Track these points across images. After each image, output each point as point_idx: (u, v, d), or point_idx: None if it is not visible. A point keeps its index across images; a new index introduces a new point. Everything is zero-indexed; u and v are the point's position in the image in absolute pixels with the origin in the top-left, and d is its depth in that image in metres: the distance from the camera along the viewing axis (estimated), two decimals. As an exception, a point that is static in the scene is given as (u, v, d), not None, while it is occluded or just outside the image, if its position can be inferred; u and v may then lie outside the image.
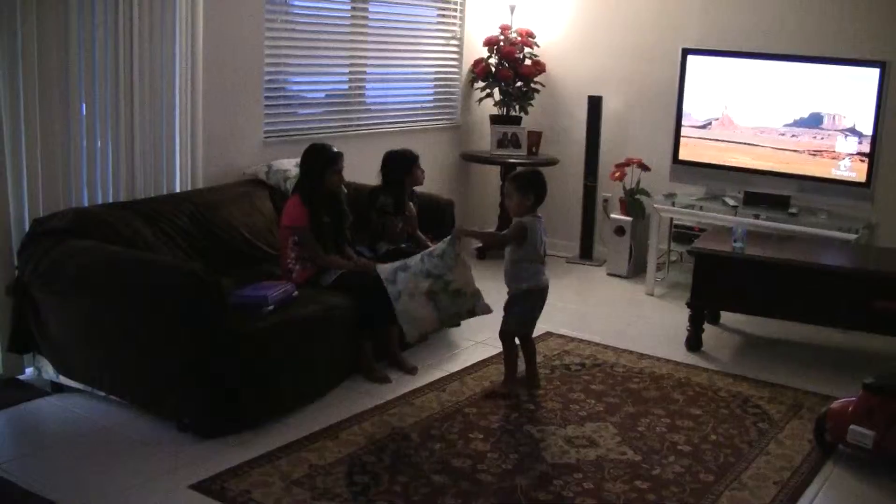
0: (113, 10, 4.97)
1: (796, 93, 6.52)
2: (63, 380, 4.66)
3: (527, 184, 4.83)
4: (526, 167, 5.07)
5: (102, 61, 4.99)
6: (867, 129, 6.24)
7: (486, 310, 4.90)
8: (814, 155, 6.47)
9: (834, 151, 6.38)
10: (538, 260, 4.89)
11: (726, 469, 4.13)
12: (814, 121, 6.46)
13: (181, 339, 4.17)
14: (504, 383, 4.96)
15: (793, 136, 6.53)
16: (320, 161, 5.17)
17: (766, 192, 6.58)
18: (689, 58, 6.85)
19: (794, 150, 6.53)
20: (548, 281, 4.98)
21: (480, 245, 7.96)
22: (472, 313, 4.92)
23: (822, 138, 6.43)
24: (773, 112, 6.62)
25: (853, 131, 6.30)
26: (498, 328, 4.98)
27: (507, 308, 4.95)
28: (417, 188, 5.82)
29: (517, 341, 4.99)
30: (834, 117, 6.38)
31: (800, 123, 6.50)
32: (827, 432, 4.32)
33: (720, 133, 6.85)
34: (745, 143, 6.71)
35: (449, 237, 4.85)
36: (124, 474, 3.89)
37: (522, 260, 4.84)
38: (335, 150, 5.21)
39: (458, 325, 5.53)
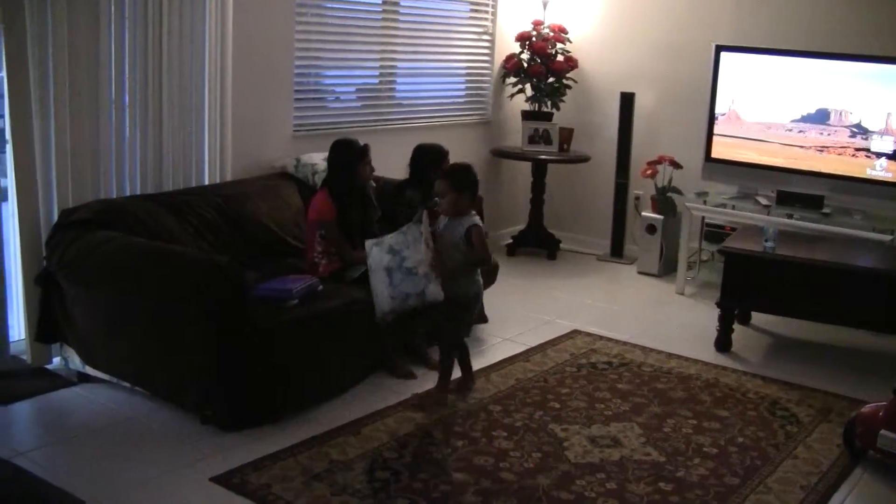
0: (143, 3, 4.97)
1: (831, 90, 6.43)
2: (89, 370, 4.68)
3: (461, 180, 4.63)
4: (459, 163, 4.82)
5: (132, 53, 4.99)
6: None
7: (436, 296, 4.51)
8: (845, 154, 6.38)
9: (869, 151, 6.29)
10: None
11: (752, 472, 4.06)
12: (839, 119, 6.38)
13: (204, 332, 4.16)
14: (440, 389, 4.76)
15: (828, 133, 6.44)
16: (350, 155, 5.16)
17: (799, 191, 6.49)
18: (723, 55, 6.77)
19: (826, 148, 6.44)
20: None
21: (511, 242, 7.94)
22: (421, 297, 4.55)
23: (864, 137, 6.32)
24: (806, 109, 6.53)
25: (889, 131, 6.21)
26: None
27: (455, 315, 4.70)
28: None
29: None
30: (867, 116, 6.28)
31: (834, 122, 6.41)
32: (856, 437, 4.24)
33: (740, 129, 6.80)
34: (780, 143, 6.63)
35: (419, 213, 4.69)
36: (146, 465, 3.90)
37: (476, 264, 4.68)
38: (362, 143, 5.20)
39: (413, 310, 4.77)
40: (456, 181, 4.62)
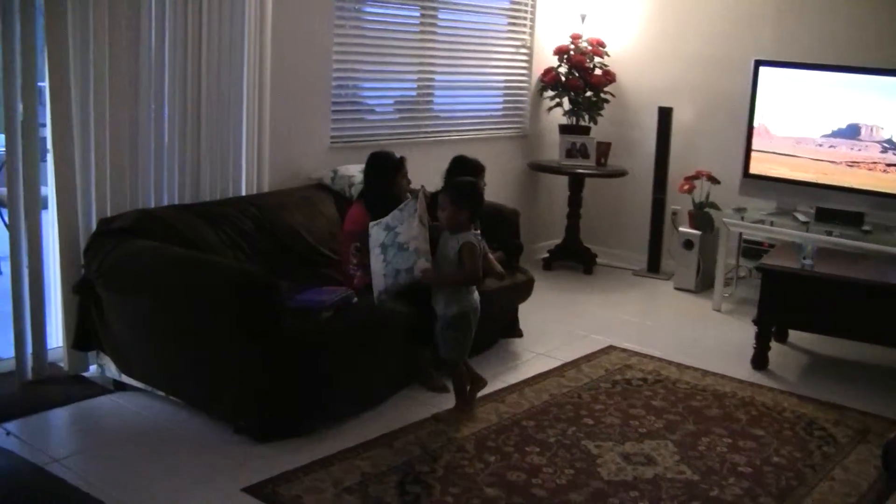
0: (182, 13, 5.01)
1: (862, 105, 6.39)
2: (124, 378, 4.72)
3: (462, 197, 4.54)
4: (464, 178, 4.86)
5: (172, 64, 5.04)
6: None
7: (424, 267, 4.46)
8: (875, 170, 6.32)
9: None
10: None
11: (787, 493, 4.02)
12: (870, 134, 6.33)
13: (238, 342, 4.18)
14: (459, 408, 4.71)
15: (859, 149, 6.38)
16: (386, 168, 5.17)
17: (838, 208, 6.43)
18: (762, 69, 6.72)
19: (856, 164, 6.38)
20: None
21: (547, 256, 7.92)
22: (410, 274, 4.48)
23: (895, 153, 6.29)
24: (837, 124, 6.48)
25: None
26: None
27: (442, 332, 4.62)
28: None
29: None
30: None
31: (865, 137, 6.35)
32: (895, 459, 4.19)
33: (770, 144, 6.76)
34: (814, 160, 6.56)
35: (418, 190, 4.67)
36: (178, 475, 3.91)
37: (460, 281, 4.58)
38: (398, 156, 5.21)
39: (404, 285, 4.61)
40: (455, 196, 4.55)
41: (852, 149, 6.41)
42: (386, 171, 5.15)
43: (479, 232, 4.65)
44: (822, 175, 6.50)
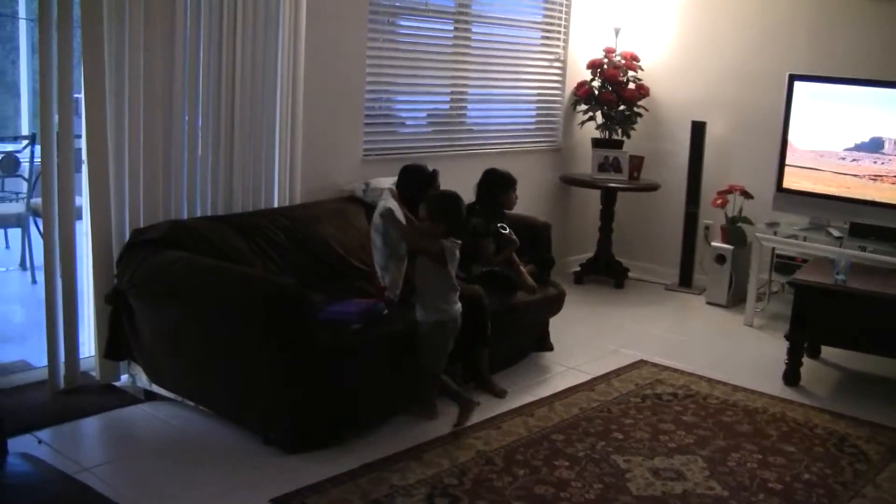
0: (217, 25, 5.06)
1: (887, 118, 6.33)
2: (155, 388, 4.75)
3: (439, 212, 4.65)
4: (446, 190, 4.90)
5: (206, 76, 5.08)
6: None
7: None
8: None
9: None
10: (454, 288, 4.74)
11: (818, 510, 3.99)
12: (893, 148, 6.26)
13: (269, 353, 4.20)
14: (462, 415, 4.76)
15: (882, 162, 6.32)
16: (419, 181, 5.17)
17: (873, 223, 6.37)
18: (797, 84, 6.68)
19: (879, 177, 6.33)
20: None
21: (579, 270, 7.90)
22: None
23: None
24: (860, 138, 6.44)
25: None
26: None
27: (424, 341, 4.68)
28: (508, 212, 5.75)
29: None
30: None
31: (889, 151, 6.29)
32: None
33: (793, 158, 6.73)
34: (837, 173, 6.51)
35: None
36: (207, 485, 3.93)
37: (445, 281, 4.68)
38: (431, 169, 5.23)
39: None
40: (433, 209, 4.66)
41: (875, 162, 6.36)
42: (419, 185, 5.16)
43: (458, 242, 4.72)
44: (846, 189, 6.46)
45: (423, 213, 4.67)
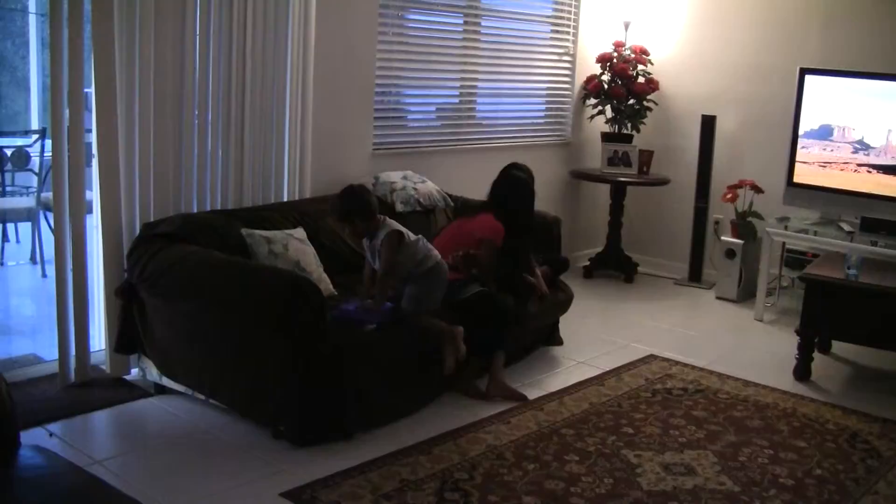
0: (227, 19, 5.06)
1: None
2: (166, 381, 4.75)
3: (341, 210, 4.67)
4: (337, 200, 4.75)
5: (216, 70, 5.08)
6: None
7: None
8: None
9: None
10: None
11: (830, 505, 3.98)
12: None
13: (279, 347, 4.20)
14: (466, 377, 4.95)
15: (893, 157, 6.31)
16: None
17: (884, 217, 6.35)
18: (808, 77, 6.66)
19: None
20: None
21: (588, 264, 7.89)
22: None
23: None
24: (869, 131, 6.44)
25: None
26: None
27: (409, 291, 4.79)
28: None
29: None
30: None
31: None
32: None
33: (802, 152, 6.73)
34: (844, 166, 6.50)
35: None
36: (218, 477, 3.93)
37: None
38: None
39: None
40: (339, 214, 4.68)
41: (883, 156, 6.34)
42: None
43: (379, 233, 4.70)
44: (854, 183, 6.44)
45: (337, 225, 4.80)
